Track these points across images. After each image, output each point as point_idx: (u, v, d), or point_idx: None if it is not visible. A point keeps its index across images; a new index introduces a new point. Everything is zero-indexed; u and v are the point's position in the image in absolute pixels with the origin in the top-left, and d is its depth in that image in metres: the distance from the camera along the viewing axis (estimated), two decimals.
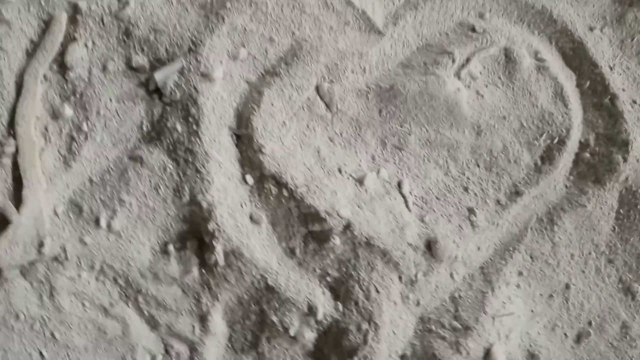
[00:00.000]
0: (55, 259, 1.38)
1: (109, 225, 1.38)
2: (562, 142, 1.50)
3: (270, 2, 1.43)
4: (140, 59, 1.42)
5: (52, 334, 1.38)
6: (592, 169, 1.52)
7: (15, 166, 1.40)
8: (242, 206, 1.38)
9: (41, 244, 1.36)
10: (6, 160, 1.40)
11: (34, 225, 1.37)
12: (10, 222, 1.37)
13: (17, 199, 1.39)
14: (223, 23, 1.41)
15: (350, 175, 1.43)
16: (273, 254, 1.38)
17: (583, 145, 1.53)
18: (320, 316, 1.36)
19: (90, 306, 1.39)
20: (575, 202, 1.51)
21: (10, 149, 1.40)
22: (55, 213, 1.39)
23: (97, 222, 1.38)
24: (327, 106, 1.46)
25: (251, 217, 1.38)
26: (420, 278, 1.40)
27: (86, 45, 1.44)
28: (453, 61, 1.48)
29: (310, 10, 1.45)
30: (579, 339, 1.50)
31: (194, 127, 1.37)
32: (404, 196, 1.44)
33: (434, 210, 1.45)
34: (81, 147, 1.42)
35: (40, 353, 1.38)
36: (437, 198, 1.47)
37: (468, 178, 1.49)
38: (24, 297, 1.38)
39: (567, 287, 1.50)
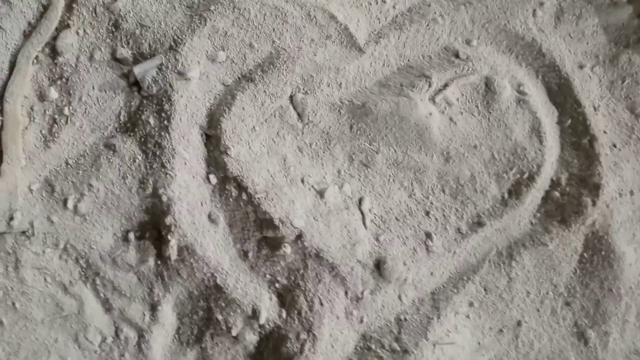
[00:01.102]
0: (23, 233, 1.45)
1: (75, 208, 1.44)
2: (531, 178, 1.49)
3: (254, 9, 1.46)
4: (124, 52, 1.48)
5: (13, 304, 1.46)
6: (560, 208, 1.50)
7: None
8: (202, 204, 1.43)
9: (11, 218, 1.43)
10: None
11: (8, 199, 1.44)
12: None
13: None
14: (205, 25, 1.45)
15: (312, 187, 1.45)
16: (226, 255, 1.42)
17: (554, 184, 1.51)
18: (263, 320, 1.39)
19: (51, 282, 1.46)
20: (538, 240, 1.50)
21: None
22: (30, 190, 1.46)
23: (65, 203, 1.45)
24: (299, 116, 1.48)
25: (209, 216, 1.42)
26: (366, 296, 1.41)
27: (77, 33, 1.51)
28: (429, 85, 1.49)
29: (293, 20, 1.48)
30: None
31: (165, 122, 1.42)
32: (362, 213, 1.45)
33: (390, 231, 1.46)
34: (61, 129, 1.48)
35: (1, 320, 1.46)
36: (396, 219, 1.48)
37: (431, 203, 1.50)
38: None
39: (519, 324, 1.49)
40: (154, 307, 1.44)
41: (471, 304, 1.48)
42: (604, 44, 1.61)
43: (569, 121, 1.54)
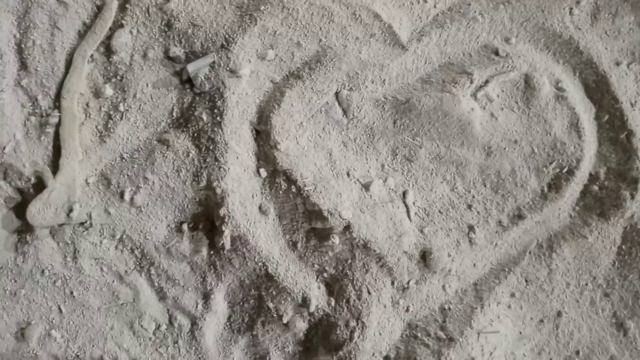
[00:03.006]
0: (82, 224, 1.51)
1: (131, 200, 1.50)
2: (571, 172, 1.53)
3: (302, 9, 1.51)
4: (177, 50, 1.54)
5: (71, 292, 1.52)
6: (599, 202, 1.54)
7: (57, 136, 1.55)
8: (253, 197, 1.48)
9: (70, 209, 1.50)
10: (49, 130, 1.55)
11: (66, 192, 1.51)
12: (46, 186, 1.51)
13: (55, 166, 1.53)
14: (255, 24, 1.50)
15: (358, 180, 1.50)
16: (276, 245, 1.48)
17: (593, 178, 1.55)
18: (312, 308, 1.44)
19: (108, 271, 1.52)
20: (577, 232, 1.53)
21: (54, 119, 1.54)
22: (87, 183, 1.53)
23: (121, 195, 1.51)
24: (344, 112, 1.53)
25: (260, 208, 1.48)
26: (412, 286, 1.46)
27: (131, 32, 1.57)
28: (471, 82, 1.53)
29: (339, 19, 1.53)
30: None
31: (218, 118, 1.47)
32: (407, 206, 1.50)
33: (434, 223, 1.51)
34: (116, 125, 1.55)
35: (59, 308, 1.52)
36: (439, 212, 1.53)
37: (473, 196, 1.54)
38: (50, 256, 1.52)
39: (559, 314, 1.53)
40: (206, 296, 1.50)
41: (513, 295, 1.52)
42: None
43: (607, 117, 1.58)
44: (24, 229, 1.53)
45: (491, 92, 1.55)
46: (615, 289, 1.54)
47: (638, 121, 1.57)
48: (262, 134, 1.50)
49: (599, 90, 1.60)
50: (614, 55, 1.62)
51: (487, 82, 1.55)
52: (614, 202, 1.52)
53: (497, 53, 1.58)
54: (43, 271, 1.52)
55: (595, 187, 1.54)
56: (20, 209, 1.54)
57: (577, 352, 1.53)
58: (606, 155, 1.56)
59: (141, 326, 1.52)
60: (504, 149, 1.54)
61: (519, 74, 1.57)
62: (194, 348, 1.51)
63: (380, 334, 1.44)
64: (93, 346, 1.52)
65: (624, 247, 1.54)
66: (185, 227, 1.50)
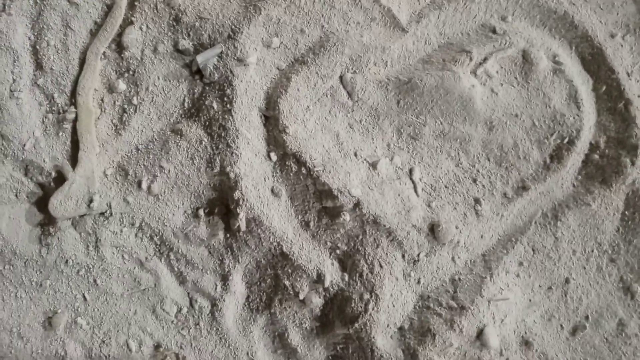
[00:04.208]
0: (102, 214, 1.58)
1: (149, 188, 1.57)
2: (571, 142, 1.57)
3: None
4: (186, 43, 1.60)
5: (95, 280, 1.59)
6: (600, 170, 1.58)
7: (74, 131, 1.61)
8: (265, 180, 1.54)
9: (91, 200, 1.56)
10: (67, 126, 1.61)
11: (86, 184, 1.57)
12: (66, 179, 1.57)
13: (74, 159, 1.60)
14: (260, 14, 1.56)
15: (365, 160, 1.56)
16: (289, 225, 1.53)
17: (593, 147, 1.59)
18: (327, 284, 1.50)
19: (129, 258, 1.59)
20: (580, 200, 1.58)
21: (71, 115, 1.61)
22: (105, 174, 1.59)
23: (139, 184, 1.57)
24: (349, 95, 1.59)
25: (272, 190, 1.53)
26: (422, 258, 1.51)
27: (141, 29, 1.63)
28: (470, 59, 1.58)
29: (340, 5, 1.58)
30: (574, 331, 1.57)
31: (228, 106, 1.53)
32: (413, 182, 1.55)
33: (441, 197, 1.56)
34: (131, 118, 1.61)
35: (84, 296, 1.59)
36: (445, 187, 1.58)
37: (477, 170, 1.59)
38: (73, 246, 1.59)
39: (567, 281, 1.58)
40: (225, 278, 1.55)
41: (521, 264, 1.57)
42: (634, 13, 1.69)
43: (604, 87, 1.62)
44: (47, 222, 1.60)
45: (490, 69, 1.60)
46: (621, 254, 1.58)
47: (635, 90, 1.61)
48: (270, 119, 1.56)
49: (595, 62, 1.64)
50: (609, 27, 1.67)
51: (485, 59, 1.60)
52: (615, 169, 1.56)
53: (494, 31, 1.63)
54: (67, 261, 1.58)
55: (596, 156, 1.58)
56: (42, 203, 1.61)
57: (587, 317, 1.57)
58: (605, 125, 1.60)
59: (163, 310, 1.58)
60: (506, 123, 1.59)
61: (517, 50, 1.61)
62: (214, 329, 1.56)
63: (393, 306, 1.49)
64: (118, 331, 1.58)
65: (627, 212, 1.58)
66: (201, 212, 1.56)
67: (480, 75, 1.59)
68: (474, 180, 1.58)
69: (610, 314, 1.57)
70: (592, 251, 1.58)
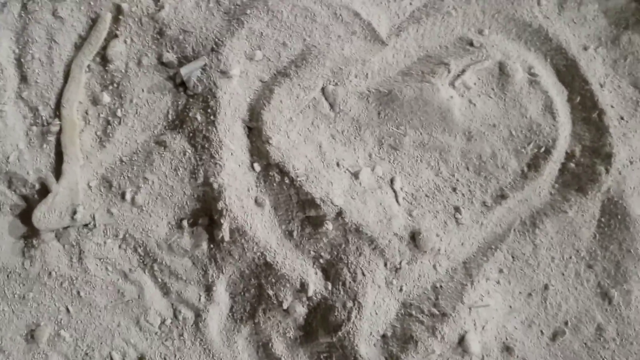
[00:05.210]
0: (86, 226, 1.58)
1: (133, 200, 1.57)
2: (548, 151, 1.62)
3: (285, 11, 1.61)
4: (170, 56, 1.62)
5: (78, 292, 1.58)
6: (576, 178, 1.62)
7: (58, 144, 1.62)
8: (248, 190, 1.56)
9: (74, 212, 1.57)
10: (51, 138, 1.62)
11: (70, 195, 1.58)
12: (50, 191, 1.58)
13: (58, 172, 1.60)
14: (243, 27, 1.59)
15: (347, 169, 1.59)
16: (273, 235, 1.55)
17: (569, 156, 1.64)
18: (311, 293, 1.51)
19: (113, 270, 1.59)
20: (558, 208, 1.62)
21: (55, 128, 1.62)
22: (89, 186, 1.60)
23: (123, 196, 1.58)
24: (331, 106, 1.62)
25: (256, 201, 1.55)
26: (404, 266, 1.53)
27: (125, 42, 1.66)
28: (449, 71, 1.62)
29: (321, 19, 1.62)
30: (554, 337, 1.60)
31: (212, 117, 1.56)
32: (395, 191, 1.58)
33: (421, 206, 1.59)
34: (115, 130, 1.62)
35: (67, 308, 1.58)
36: (426, 195, 1.61)
37: (457, 180, 1.62)
38: (56, 258, 1.59)
39: (546, 287, 1.60)
40: (208, 288, 1.56)
41: (501, 271, 1.59)
42: (605, 27, 1.75)
43: (578, 98, 1.67)
44: (30, 234, 1.60)
45: (468, 81, 1.64)
46: (598, 260, 1.62)
47: (608, 100, 1.66)
48: (254, 130, 1.58)
49: (569, 73, 1.69)
50: (582, 40, 1.72)
51: (463, 71, 1.64)
52: (591, 177, 1.61)
53: (471, 44, 1.68)
54: (50, 273, 1.58)
55: (572, 165, 1.63)
56: (25, 215, 1.61)
57: (566, 323, 1.60)
58: (580, 134, 1.65)
59: (147, 321, 1.58)
60: (484, 133, 1.63)
61: (493, 62, 1.66)
62: (199, 340, 1.57)
63: (376, 314, 1.51)
64: (101, 343, 1.57)
65: (602, 219, 1.62)
66: (185, 223, 1.57)
67: (458, 86, 1.63)
68: (454, 189, 1.62)
69: (589, 319, 1.60)
70: (570, 257, 1.62)
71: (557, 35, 1.70)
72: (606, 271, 1.62)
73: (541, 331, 1.60)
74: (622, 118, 1.66)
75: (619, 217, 1.61)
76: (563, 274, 1.61)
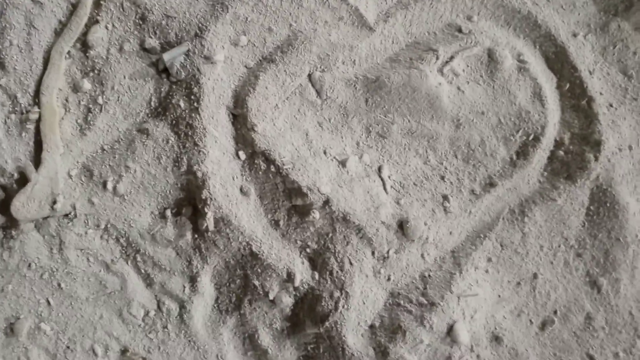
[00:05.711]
0: (66, 216, 1.54)
1: (114, 189, 1.54)
2: (537, 139, 1.60)
3: None
4: (152, 42, 1.58)
5: (59, 284, 1.54)
6: (565, 166, 1.61)
7: (38, 131, 1.57)
8: (233, 179, 1.52)
9: (54, 202, 1.52)
10: (30, 126, 1.57)
11: (49, 185, 1.54)
12: (29, 181, 1.53)
13: (37, 160, 1.56)
14: (227, 12, 1.56)
15: (334, 158, 1.56)
16: (259, 224, 1.52)
17: (558, 144, 1.62)
18: (297, 283, 1.48)
19: (94, 261, 1.55)
20: (547, 196, 1.60)
21: (34, 116, 1.57)
22: (69, 175, 1.55)
23: (104, 185, 1.54)
24: (318, 93, 1.59)
25: (241, 189, 1.52)
26: (392, 255, 1.51)
27: (107, 27, 1.61)
28: (437, 58, 1.60)
29: (307, 4, 1.59)
30: (543, 326, 1.59)
31: (195, 104, 1.52)
32: (382, 180, 1.56)
33: (409, 195, 1.57)
34: (96, 118, 1.58)
35: (47, 300, 1.54)
36: (414, 184, 1.58)
37: (445, 168, 1.60)
38: (36, 249, 1.54)
39: (535, 276, 1.59)
40: (193, 279, 1.53)
41: (489, 260, 1.58)
42: (594, 14, 1.74)
43: (567, 85, 1.66)
44: (9, 225, 1.55)
45: (456, 67, 1.62)
46: (587, 249, 1.61)
47: (597, 88, 1.65)
48: (239, 117, 1.55)
49: (558, 60, 1.68)
50: (571, 27, 1.71)
51: (452, 57, 1.62)
52: (580, 165, 1.59)
53: (460, 30, 1.66)
54: (30, 265, 1.54)
55: (561, 152, 1.61)
56: (4, 205, 1.56)
57: (555, 312, 1.59)
58: (569, 121, 1.64)
59: (130, 313, 1.54)
60: (472, 120, 1.61)
61: (482, 49, 1.64)
62: (183, 331, 1.53)
63: (364, 303, 1.48)
64: (83, 336, 1.53)
65: (591, 207, 1.61)
66: (168, 212, 1.53)
67: (447, 73, 1.61)
68: (442, 178, 1.59)
69: (578, 308, 1.59)
70: (559, 246, 1.61)
71: (546, 22, 1.68)
72: (595, 260, 1.61)
73: (530, 320, 1.59)
74: (611, 105, 1.64)
75: (608, 205, 1.60)
76: (552, 263, 1.60)
